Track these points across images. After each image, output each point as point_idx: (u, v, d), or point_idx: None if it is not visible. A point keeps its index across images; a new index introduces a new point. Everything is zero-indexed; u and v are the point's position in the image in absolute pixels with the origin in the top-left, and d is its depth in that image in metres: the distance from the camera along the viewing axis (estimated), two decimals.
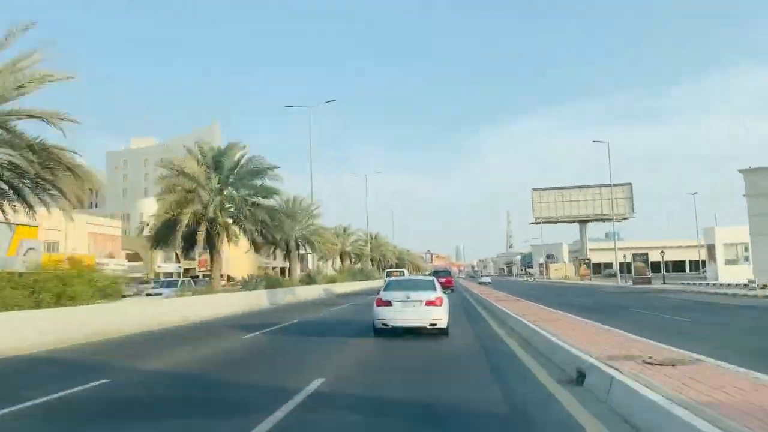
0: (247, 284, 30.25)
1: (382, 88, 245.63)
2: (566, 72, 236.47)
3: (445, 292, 14.29)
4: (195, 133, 77.74)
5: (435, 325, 12.34)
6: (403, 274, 43.68)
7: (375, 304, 12.85)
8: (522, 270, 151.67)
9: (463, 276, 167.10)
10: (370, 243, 77.57)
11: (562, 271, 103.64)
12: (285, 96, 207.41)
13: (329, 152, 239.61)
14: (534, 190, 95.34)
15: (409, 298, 12.49)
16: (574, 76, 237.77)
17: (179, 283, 31.90)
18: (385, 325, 12.46)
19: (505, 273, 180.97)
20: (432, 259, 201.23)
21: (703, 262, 68.11)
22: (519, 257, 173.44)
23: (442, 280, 40.48)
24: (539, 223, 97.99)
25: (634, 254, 60.93)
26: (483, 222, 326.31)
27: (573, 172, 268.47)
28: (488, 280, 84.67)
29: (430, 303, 12.43)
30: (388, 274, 42.25)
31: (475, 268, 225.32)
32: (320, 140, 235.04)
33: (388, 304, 12.53)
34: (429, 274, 39.31)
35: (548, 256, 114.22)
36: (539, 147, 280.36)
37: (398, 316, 12.39)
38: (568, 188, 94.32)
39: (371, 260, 78.87)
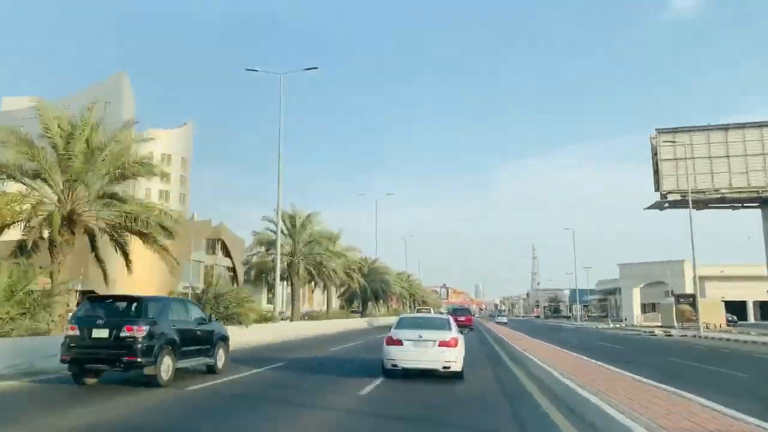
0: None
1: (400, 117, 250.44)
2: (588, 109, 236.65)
3: (461, 332, 13.67)
4: (94, 89, 69.84)
5: (448, 368, 11.51)
6: (430, 312, 39.03)
7: (384, 343, 11.96)
8: (581, 310, 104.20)
9: (486, 315, 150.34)
10: (368, 268, 57.86)
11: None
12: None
13: (344, 184, 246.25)
14: (661, 132, 45.59)
15: (421, 337, 11.64)
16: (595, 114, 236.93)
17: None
18: (395, 366, 11.64)
19: (551, 313, 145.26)
20: (448, 295, 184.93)
21: None
22: (567, 292, 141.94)
23: (462, 318, 38.36)
24: (669, 205, 46.17)
25: None
26: (504, 260, 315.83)
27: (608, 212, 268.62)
28: (505, 320, 79.88)
29: (444, 344, 11.55)
30: (418, 311, 43.25)
31: (499, 307, 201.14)
32: (335, 170, 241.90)
33: (399, 343, 11.66)
34: (448, 313, 35.46)
35: (681, 298, 52.82)
36: (562, 184, 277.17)
37: (409, 357, 11.56)
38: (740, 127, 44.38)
39: (365, 291, 57.99)
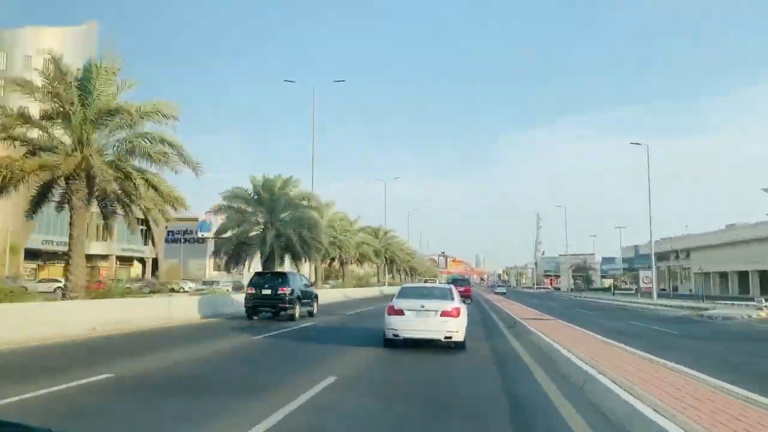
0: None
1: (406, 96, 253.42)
2: (589, 82, 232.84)
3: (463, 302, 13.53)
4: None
5: (450, 338, 11.46)
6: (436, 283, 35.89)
7: (386, 313, 11.90)
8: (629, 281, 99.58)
9: (487, 287, 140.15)
10: (379, 239, 67.63)
11: None
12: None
13: (352, 159, 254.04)
14: None
15: (423, 307, 11.57)
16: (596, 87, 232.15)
17: None
18: (396, 335, 11.63)
19: (584, 284, 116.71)
20: (447, 264, 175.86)
21: None
22: (599, 258, 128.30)
23: (461, 289, 37.12)
24: None
25: None
26: (506, 232, 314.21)
27: (602, 181, 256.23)
28: (503, 290, 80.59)
29: (446, 314, 11.48)
30: (425, 282, 46.31)
31: (502, 277, 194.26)
32: (344, 148, 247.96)
33: (401, 313, 11.60)
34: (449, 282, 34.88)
35: None
36: (562, 156, 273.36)
37: (411, 327, 11.50)
38: None
39: (380, 261, 69.97)
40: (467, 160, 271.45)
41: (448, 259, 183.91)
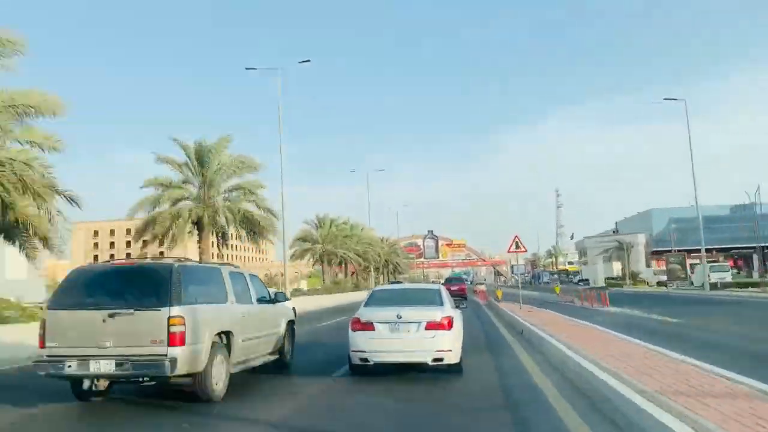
0: None
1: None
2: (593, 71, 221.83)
3: (458, 306, 10.12)
4: None
5: (441, 359, 8.38)
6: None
7: (350, 328, 8.76)
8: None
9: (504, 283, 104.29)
10: (321, 228, 54.27)
11: None
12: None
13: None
14: None
15: (400, 318, 8.44)
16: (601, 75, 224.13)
17: None
18: (365, 360, 8.52)
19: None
20: (438, 249, 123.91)
21: None
22: (641, 238, 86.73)
23: (454, 288, 30.90)
24: None
25: None
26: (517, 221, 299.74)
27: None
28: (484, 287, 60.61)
29: (433, 326, 8.38)
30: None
31: (538, 267, 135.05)
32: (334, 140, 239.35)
33: (369, 327, 8.51)
34: (443, 283, 32.26)
35: None
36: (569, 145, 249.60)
37: (384, 347, 8.42)
38: None
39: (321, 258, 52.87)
40: (471, 150, 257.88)
41: (439, 243, 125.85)
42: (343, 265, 59.10)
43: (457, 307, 9.83)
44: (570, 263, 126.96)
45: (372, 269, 68.31)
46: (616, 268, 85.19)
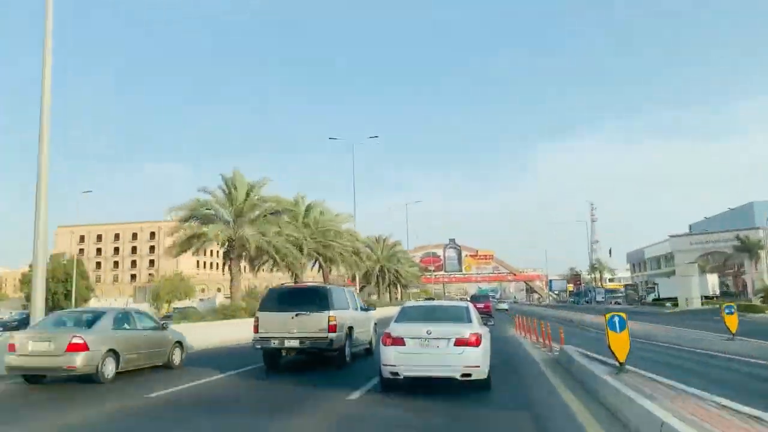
0: None
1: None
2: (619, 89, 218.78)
3: (485, 323, 11.04)
4: None
5: (469, 375, 8.74)
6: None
7: (381, 342, 9.31)
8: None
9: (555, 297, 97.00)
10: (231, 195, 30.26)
11: None
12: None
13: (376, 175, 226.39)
14: None
15: (430, 333, 8.90)
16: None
17: None
18: (396, 374, 8.95)
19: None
20: (461, 261, 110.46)
21: None
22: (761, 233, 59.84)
23: (479, 306, 30.67)
24: None
25: None
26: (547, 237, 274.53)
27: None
28: (506, 306, 66.13)
29: (461, 342, 8.80)
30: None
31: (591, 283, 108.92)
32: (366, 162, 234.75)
33: (400, 342, 8.98)
34: (469, 299, 32.12)
35: None
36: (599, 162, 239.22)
37: (415, 361, 8.85)
38: None
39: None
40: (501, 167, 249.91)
41: (463, 254, 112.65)
42: (289, 268, 33.92)
43: (484, 324, 10.57)
44: (611, 279, 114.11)
45: (356, 277, 49.14)
46: (712, 282, 63.94)
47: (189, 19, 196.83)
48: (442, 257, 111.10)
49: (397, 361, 8.88)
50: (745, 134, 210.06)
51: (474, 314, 9.90)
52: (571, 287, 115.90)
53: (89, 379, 10.77)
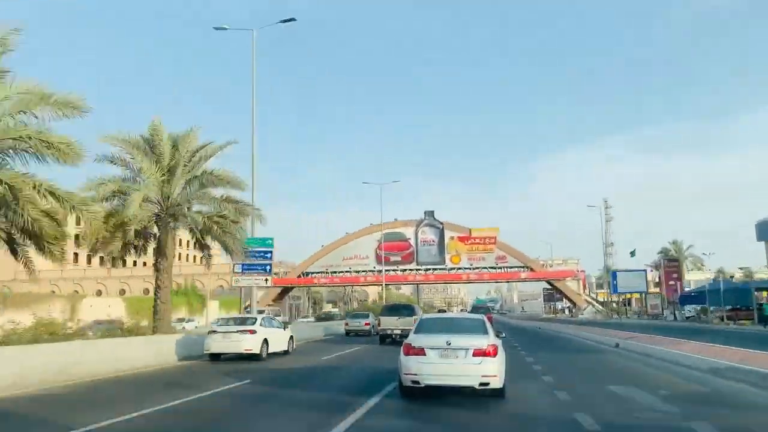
0: None
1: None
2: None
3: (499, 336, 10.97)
4: None
5: (487, 384, 9.08)
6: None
7: (402, 352, 9.61)
8: None
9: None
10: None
11: None
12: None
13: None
14: None
15: (450, 344, 9.24)
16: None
17: None
18: (416, 383, 9.27)
19: None
20: (443, 246, 73.95)
21: None
22: None
23: None
24: None
25: None
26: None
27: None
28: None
29: (479, 353, 9.11)
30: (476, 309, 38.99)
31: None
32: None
33: (421, 352, 9.30)
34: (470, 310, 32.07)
35: None
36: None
37: (435, 371, 9.18)
38: None
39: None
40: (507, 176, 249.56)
41: (447, 236, 73.91)
42: None
43: (497, 335, 10.68)
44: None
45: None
46: None
47: None
48: (412, 242, 72.81)
49: (417, 370, 9.21)
50: None
51: (489, 326, 10.45)
52: (656, 290, 67.33)
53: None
